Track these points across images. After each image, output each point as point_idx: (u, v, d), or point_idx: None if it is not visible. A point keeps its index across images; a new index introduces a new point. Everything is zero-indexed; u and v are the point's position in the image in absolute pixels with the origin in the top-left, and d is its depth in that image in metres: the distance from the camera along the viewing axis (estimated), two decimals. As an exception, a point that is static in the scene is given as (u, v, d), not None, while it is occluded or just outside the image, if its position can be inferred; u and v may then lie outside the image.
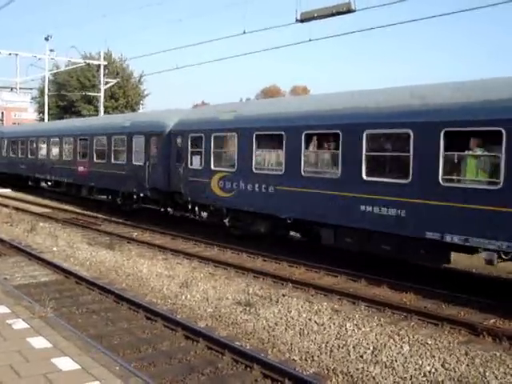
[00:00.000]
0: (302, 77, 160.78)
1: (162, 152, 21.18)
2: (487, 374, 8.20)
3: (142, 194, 22.48)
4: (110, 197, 26.32)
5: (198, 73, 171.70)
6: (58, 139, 31.13)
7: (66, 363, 6.89)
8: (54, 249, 17.32)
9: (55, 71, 54.35)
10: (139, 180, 22.06)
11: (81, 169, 27.90)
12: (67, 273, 13.81)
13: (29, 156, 34.79)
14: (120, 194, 24.31)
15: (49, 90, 50.62)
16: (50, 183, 33.68)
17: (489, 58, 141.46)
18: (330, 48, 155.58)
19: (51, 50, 46.08)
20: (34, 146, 34.12)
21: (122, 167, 23.96)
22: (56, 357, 7.08)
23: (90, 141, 27.10)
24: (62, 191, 32.45)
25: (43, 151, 33.01)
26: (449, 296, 11.90)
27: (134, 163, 22.80)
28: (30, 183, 36.91)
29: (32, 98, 65.34)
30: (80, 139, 28.31)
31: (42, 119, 53.01)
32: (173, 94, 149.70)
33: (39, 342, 7.59)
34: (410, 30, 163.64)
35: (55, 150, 31.45)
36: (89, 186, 27.52)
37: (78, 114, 52.10)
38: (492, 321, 10.56)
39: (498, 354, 8.95)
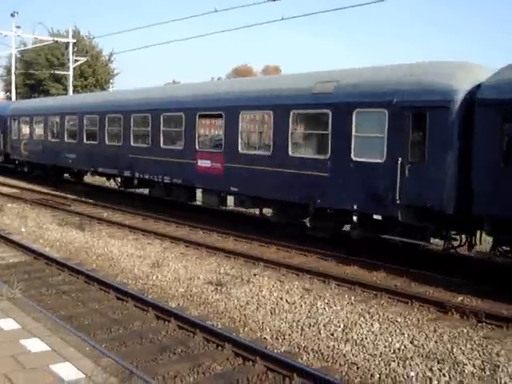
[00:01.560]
0: (275, 56, 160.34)
1: (452, 140, 11.74)
2: (455, 350, 8.35)
3: (378, 216, 13.20)
4: (276, 212, 16.33)
5: (168, 52, 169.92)
6: (178, 114, 19.30)
7: (35, 344, 6.83)
8: (23, 230, 17.08)
9: (22, 49, 53.19)
10: (371, 190, 13.05)
11: (207, 165, 17.83)
12: (36, 254, 13.63)
13: (87, 141, 24.97)
14: (312, 210, 14.64)
15: (16, 68, 49.56)
16: (122, 182, 24.08)
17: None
18: (303, 27, 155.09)
19: (17, 27, 45.13)
20: (103, 126, 23.58)
21: (317, 164, 14.42)
22: (25, 338, 7.02)
23: (231, 117, 17.07)
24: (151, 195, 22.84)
25: (129, 136, 21.82)
26: (418, 274, 12.07)
27: (357, 159, 13.44)
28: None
29: (-1, 76, 63.96)
30: (201, 116, 18.67)
31: (10, 98, 51.93)
32: (143, 73, 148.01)
33: (7, 324, 7.51)
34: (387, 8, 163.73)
35: (161, 135, 19.96)
36: (231, 193, 17.42)
37: (47, 93, 51.18)
38: (460, 298, 10.75)
39: (465, 331, 9.13)
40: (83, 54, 48.48)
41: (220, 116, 17.61)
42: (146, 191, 23.23)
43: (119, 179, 24.07)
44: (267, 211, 17.40)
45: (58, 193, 25.48)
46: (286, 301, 10.54)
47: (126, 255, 14.01)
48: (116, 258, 13.71)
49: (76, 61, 45.66)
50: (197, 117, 18.33)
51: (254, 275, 12.22)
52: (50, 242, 15.51)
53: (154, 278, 12.04)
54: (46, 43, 47.71)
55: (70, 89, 44.30)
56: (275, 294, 10.92)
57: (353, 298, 10.83)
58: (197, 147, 18.32)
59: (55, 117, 28.34)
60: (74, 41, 44.99)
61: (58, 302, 10.28)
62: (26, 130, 31.32)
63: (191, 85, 22.32)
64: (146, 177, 20.54)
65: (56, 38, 45.90)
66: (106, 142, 23.41)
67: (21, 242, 14.79)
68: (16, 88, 48.99)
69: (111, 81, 59.09)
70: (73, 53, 44.64)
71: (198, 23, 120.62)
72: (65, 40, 45.05)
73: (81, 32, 54.18)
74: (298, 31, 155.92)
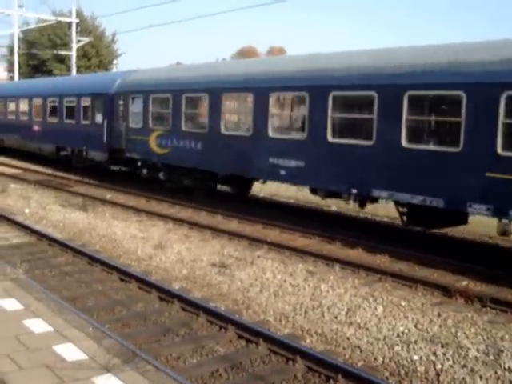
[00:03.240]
0: (280, 37, 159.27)
1: None
2: (459, 334, 8.32)
3: None
4: None
5: (172, 32, 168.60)
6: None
7: (38, 325, 6.82)
8: (26, 211, 17.05)
9: (25, 28, 52.87)
10: None
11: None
12: (40, 235, 13.61)
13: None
14: None
15: (19, 48, 49.29)
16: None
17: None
18: (307, 8, 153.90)
19: (20, 6, 44.78)
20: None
21: None
22: (28, 318, 7.01)
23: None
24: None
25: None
26: (422, 258, 12.01)
27: None
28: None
29: (1, 56, 63.67)
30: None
31: (12, 78, 51.74)
32: (147, 54, 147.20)
33: (11, 304, 7.50)
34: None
35: None
36: None
37: (50, 74, 50.97)
38: (464, 283, 10.71)
39: (469, 315, 9.09)
40: (86, 34, 48.23)
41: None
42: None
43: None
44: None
45: (61, 174, 25.44)
46: (290, 283, 10.52)
47: (129, 236, 13.99)
48: (119, 240, 13.69)
49: (79, 41, 45.39)
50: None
51: (258, 257, 12.20)
52: (53, 223, 15.49)
53: (158, 259, 12.02)
54: (48, 23, 47.40)
55: (74, 69, 44.09)
56: (279, 277, 10.89)
57: (357, 281, 10.80)
58: None
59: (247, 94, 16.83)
60: (77, 21, 44.68)
61: (61, 282, 10.26)
62: (159, 114, 20.20)
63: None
64: None
65: (59, 18, 45.58)
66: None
67: (24, 223, 14.76)
68: (19, 68, 48.75)
69: (115, 61, 58.82)
70: (76, 33, 44.37)
71: (202, 3, 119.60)
72: (68, 20, 44.75)
73: (84, 12, 53.85)
74: (303, 12, 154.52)
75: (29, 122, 29.74)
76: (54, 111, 27.49)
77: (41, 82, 34.99)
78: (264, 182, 17.66)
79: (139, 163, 21.11)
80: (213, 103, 17.47)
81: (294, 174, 14.87)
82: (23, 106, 30.77)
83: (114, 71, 31.63)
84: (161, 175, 20.24)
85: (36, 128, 28.93)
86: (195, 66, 21.36)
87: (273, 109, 15.83)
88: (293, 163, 14.84)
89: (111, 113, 22.54)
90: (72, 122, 25.56)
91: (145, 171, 21.11)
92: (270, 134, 15.54)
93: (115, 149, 22.33)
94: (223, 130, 17.15)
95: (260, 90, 15.91)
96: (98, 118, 23.54)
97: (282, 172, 15.14)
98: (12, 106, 32.15)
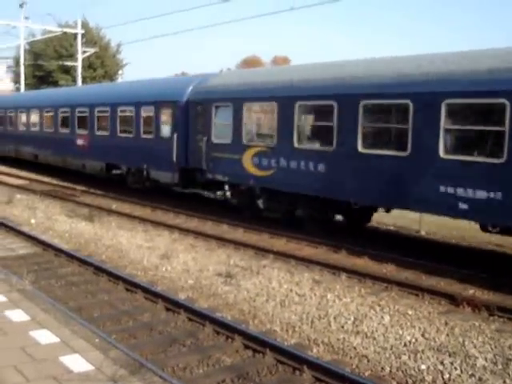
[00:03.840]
0: (284, 47, 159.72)
1: None
2: (466, 343, 8.28)
3: None
4: None
5: (177, 42, 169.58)
6: None
7: (44, 336, 6.82)
8: (32, 221, 17.10)
9: (31, 40, 53.20)
10: None
11: None
12: (46, 245, 13.63)
13: None
14: None
15: (25, 59, 49.59)
16: None
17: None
18: (312, 17, 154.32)
19: (26, 18, 45.14)
20: None
21: None
22: (34, 329, 7.01)
23: None
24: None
25: None
26: (429, 267, 11.97)
27: None
28: None
29: (7, 68, 64.06)
30: None
31: (18, 89, 52.01)
32: (151, 64, 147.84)
33: (17, 315, 7.51)
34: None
35: None
36: None
37: (56, 84, 51.20)
38: (471, 291, 10.66)
39: (476, 324, 9.04)
40: (92, 45, 48.50)
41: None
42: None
43: None
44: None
45: (66, 184, 25.50)
46: (296, 293, 10.49)
47: (135, 246, 14.00)
48: (125, 250, 13.70)
49: (85, 52, 45.65)
50: None
51: (264, 267, 12.18)
52: (59, 234, 15.52)
53: (164, 269, 12.02)
54: (54, 34, 47.70)
55: (79, 80, 44.31)
56: (285, 286, 10.87)
57: (363, 290, 10.76)
58: None
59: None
60: (83, 31, 44.94)
61: (67, 293, 10.27)
62: (258, 127, 17.33)
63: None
64: None
65: (65, 29, 45.86)
66: None
67: (30, 234, 14.79)
68: (25, 79, 49.02)
69: (120, 72, 59.08)
70: (81, 44, 44.62)
71: (207, 13, 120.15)
72: (73, 31, 45.01)
73: (89, 23, 54.16)
74: (307, 22, 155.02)
75: (70, 135, 26.21)
76: (103, 123, 23.87)
77: (85, 90, 31.89)
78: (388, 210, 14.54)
79: (226, 186, 17.54)
80: (344, 114, 13.77)
81: (483, 209, 11.25)
82: (63, 116, 27.13)
83: (191, 75, 24.68)
84: (259, 203, 16.50)
85: (80, 142, 25.33)
86: (313, 65, 16.50)
87: (448, 121, 11.83)
88: (481, 194, 11.21)
89: (183, 125, 18.82)
90: (128, 135, 21.99)
91: (233, 196, 17.47)
92: (442, 154, 11.84)
93: (188, 168, 18.81)
94: (361, 148, 13.34)
95: (427, 97, 12.10)
96: (165, 130, 19.88)
97: (462, 205, 11.51)
98: (48, 117, 28.86)
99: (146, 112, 20.93)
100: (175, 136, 18.89)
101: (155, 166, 20.35)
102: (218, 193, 18.01)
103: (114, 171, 23.44)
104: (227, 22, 38.24)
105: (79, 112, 25.62)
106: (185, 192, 20.29)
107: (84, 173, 25.92)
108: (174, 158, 18.88)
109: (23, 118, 31.85)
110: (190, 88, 19.07)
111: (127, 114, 22.17)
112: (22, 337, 6.76)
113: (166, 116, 20.01)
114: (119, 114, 22.62)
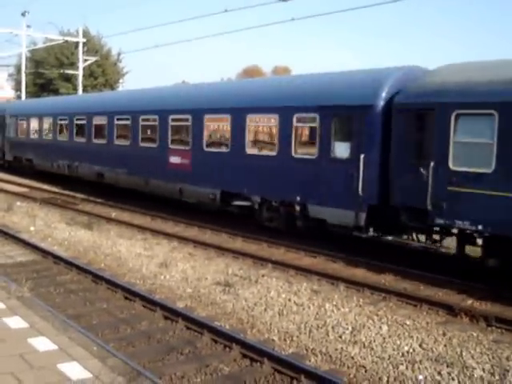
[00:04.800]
0: (284, 57, 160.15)
1: None
2: (464, 353, 8.28)
3: None
4: None
5: (178, 52, 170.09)
6: None
7: (43, 343, 6.83)
8: (32, 228, 17.11)
9: (32, 48, 53.38)
10: None
11: None
12: (45, 253, 13.65)
13: None
14: None
15: (26, 67, 49.72)
16: None
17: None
18: (312, 28, 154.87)
19: (28, 26, 45.30)
20: None
21: None
22: (33, 337, 7.02)
23: None
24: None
25: None
26: (427, 277, 11.98)
27: None
28: None
29: (9, 76, 64.25)
30: None
31: (20, 97, 52.14)
32: (152, 73, 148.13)
33: (15, 322, 7.52)
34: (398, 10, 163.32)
35: None
36: None
37: (56, 93, 51.33)
38: (469, 302, 10.67)
39: (474, 335, 9.05)
40: (93, 54, 48.66)
41: None
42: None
43: None
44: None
45: (66, 192, 25.52)
46: (294, 302, 10.50)
47: (134, 255, 14.01)
48: (124, 258, 13.72)
49: (86, 60, 45.79)
50: None
51: (263, 276, 12.19)
52: (58, 241, 15.54)
53: (162, 278, 12.03)
54: (56, 42, 47.87)
55: (80, 88, 44.42)
56: (283, 296, 10.88)
57: (361, 300, 10.77)
58: None
59: None
60: (84, 40, 45.11)
61: (65, 301, 10.28)
62: None
63: None
64: None
65: (66, 37, 46.03)
66: None
67: (29, 241, 14.82)
68: (26, 87, 49.14)
69: (120, 80, 59.24)
70: (83, 52, 44.77)
71: (207, 23, 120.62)
72: (75, 39, 45.19)
73: (90, 32, 54.37)
74: (308, 32, 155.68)
75: (159, 150, 20.02)
76: (218, 135, 18.47)
77: (184, 90, 23.26)
78: None
79: (479, 241, 12.00)
80: None
81: None
82: (146, 125, 21.13)
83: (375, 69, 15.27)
84: None
85: (175, 160, 19.17)
86: None
87: None
88: None
89: (378, 141, 13.19)
90: (268, 153, 16.05)
91: (493, 256, 11.65)
92: None
93: (383, 206, 13.19)
94: None
95: None
96: (341, 149, 14.07)
97: None
98: (121, 126, 22.70)
99: (303, 122, 15.30)
100: (362, 158, 13.19)
101: (318, 200, 14.49)
102: (445, 244, 12.91)
103: (236, 202, 17.12)
104: (228, 32, 38.44)
105: (175, 120, 19.59)
106: (366, 237, 14.21)
107: (180, 201, 20.12)
108: (360, 191, 13.24)
109: (82, 126, 25.46)
110: (389, 86, 13.33)
111: (264, 123, 16.57)
112: (20, 344, 6.76)
113: (341, 127, 14.20)
114: (249, 123, 16.56)
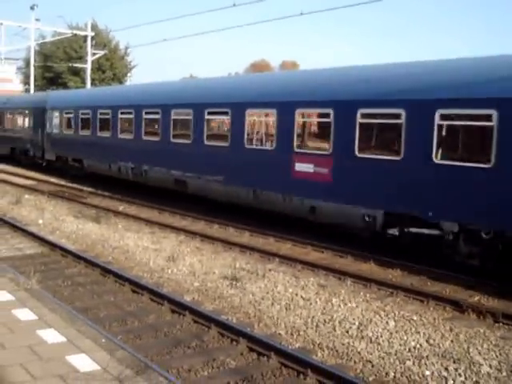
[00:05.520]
0: (292, 52, 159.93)
1: None
2: (471, 349, 8.28)
3: None
4: None
5: (186, 46, 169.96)
6: None
7: (51, 335, 6.88)
8: (40, 221, 17.19)
9: (41, 41, 53.49)
10: None
11: None
12: (53, 245, 13.72)
13: None
14: None
15: (35, 60, 49.85)
16: None
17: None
18: (320, 22, 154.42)
19: (37, 20, 45.44)
20: None
21: None
22: (41, 329, 7.07)
23: None
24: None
25: None
26: (434, 273, 11.97)
27: None
28: None
29: (17, 69, 64.45)
30: None
31: (28, 90, 52.29)
32: (160, 66, 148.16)
33: (24, 314, 7.56)
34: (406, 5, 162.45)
35: None
36: None
37: (65, 86, 51.45)
38: (476, 298, 10.66)
39: (481, 331, 9.04)
40: (101, 48, 48.72)
41: None
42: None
43: None
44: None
45: (74, 185, 25.61)
46: (301, 297, 10.52)
47: (141, 248, 14.06)
48: (132, 251, 13.76)
49: (94, 54, 45.85)
50: None
51: (270, 270, 12.21)
52: (66, 234, 15.60)
53: (170, 271, 12.07)
54: (64, 36, 47.95)
55: (88, 82, 44.49)
56: (290, 290, 10.89)
57: (368, 295, 10.78)
58: None
59: None
60: (93, 34, 45.16)
61: (73, 293, 10.34)
62: None
63: None
64: None
65: (75, 31, 46.10)
66: None
67: (38, 234, 14.89)
68: (35, 81, 49.27)
69: (128, 74, 59.30)
70: (91, 46, 44.82)
71: (216, 17, 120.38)
72: (83, 33, 45.23)
73: (99, 25, 54.42)
74: (316, 26, 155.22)
75: (277, 155, 15.37)
76: (384, 137, 13.71)
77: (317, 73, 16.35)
78: None
79: None
80: None
81: None
82: (261, 121, 16.46)
83: None
84: None
85: (308, 169, 14.57)
86: None
87: None
88: None
89: None
90: (476, 164, 11.27)
91: None
92: None
93: None
94: None
95: None
96: None
97: None
98: (217, 123, 18.66)
99: None
100: None
101: None
102: None
103: (412, 229, 12.48)
104: (236, 26, 38.38)
105: (303, 116, 15.18)
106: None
107: (311, 221, 15.32)
108: None
109: (155, 122, 20.85)
110: None
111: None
112: (29, 336, 6.81)
113: None
114: (444, 122, 11.82)
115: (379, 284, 11.31)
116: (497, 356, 8.10)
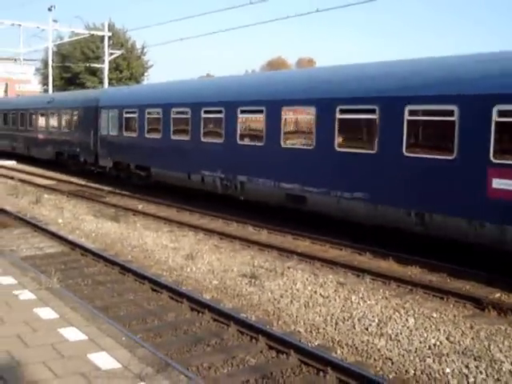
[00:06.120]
0: (308, 49, 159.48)
1: None
2: (492, 347, 8.22)
3: None
4: None
5: (202, 44, 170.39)
6: None
7: (73, 333, 6.93)
8: (60, 221, 17.36)
9: (59, 42, 53.92)
10: None
11: None
12: (73, 244, 13.84)
13: None
14: None
15: (52, 61, 50.27)
16: None
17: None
18: (337, 19, 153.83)
19: (54, 21, 45.80)
20: None
21: None
22: (63, 327, 7.13)
23: None
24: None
25: None
26: (454, 270, 11.89)
27: None
28: None
29: (36, 70, 65.12)
30: None
31: (47, 91, 52.73)
32: (177, 65, 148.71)
33: (46, 313, 7.64)
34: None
35: None
36: None
37: (83, 86, 51.85)
38: (497, 295, 10.57)
39: (502, 328, 8.97)
40: (118, 48, 49.03)
41: None
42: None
43: None
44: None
45: (93, 185, 25.79)
46: (320, 294, 10.51)
47: (160, 247, 14.13)
48: (151, 250, 13.84)
49: (111, 54, 46.14)
50: None
51: (288, 268, 12.21)
52: (85, 233, 15.73)
53: (189, 269, 12.12)
54: (81, 36, 48.30)
55: (106, 82, 44.78)
56: (309, 288, 10.89)
57: (387, 292, 10.73)
58: None
59: None
60: (110, 34, 45.44)
61: (94, 292, 10.42)
62: None
63: None
64: None
65: (92, 31, 46.42)
66: None
67: (58, 233, 15.03)
68: (53, 81, 49.69)
69: (145, 73, 59.60)
70: (108, 46, 45.10)
71: (232, 15, 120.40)
72: (100, 33, 45.54)
73: (115, 25, 54.78)
74: (333, 23, 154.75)
75: (460, 167, 11.48)
76: None
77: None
78: None
79: None
80: None
81: None
82: (431, 122, 12.37)
83: None
84: None
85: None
86: None
87: None
88: None
89: None
90: None
91: None
92: None
93: None
94: None
95: None
96: None
97: None
98: (353, 124, 14.17)
99: None
100: None
101: None
102: None
103: None
104: (253, 24, 38.29)
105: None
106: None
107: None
108: None
109: (257, 121, 16.82)
110: None
111: None
112: (51, 334, 6.88)
113: None
114: None
115: (398, 281, 11.25)
116: (518, 353, 8.03)
